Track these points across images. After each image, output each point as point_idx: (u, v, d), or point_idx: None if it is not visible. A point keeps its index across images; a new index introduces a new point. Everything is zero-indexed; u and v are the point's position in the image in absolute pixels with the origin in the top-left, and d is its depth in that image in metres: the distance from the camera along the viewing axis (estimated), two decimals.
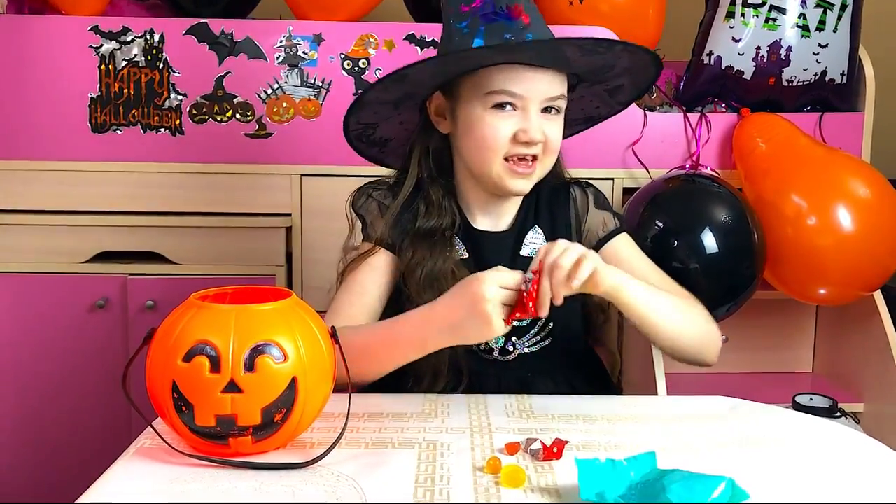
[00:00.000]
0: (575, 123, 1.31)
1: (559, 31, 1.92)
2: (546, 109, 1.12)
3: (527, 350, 1.20)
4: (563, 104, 1.14)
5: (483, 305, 0.93)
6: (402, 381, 1.13)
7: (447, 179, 1.22)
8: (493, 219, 1.23)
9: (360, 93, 1.17)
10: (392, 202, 1.20)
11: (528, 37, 1.09)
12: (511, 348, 1.20)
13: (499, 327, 0.94)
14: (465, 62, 1.12)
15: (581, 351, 1.29)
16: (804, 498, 0.79)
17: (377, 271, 1.18)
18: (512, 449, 0.89)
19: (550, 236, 1.22)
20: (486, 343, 1.19)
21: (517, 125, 1.11)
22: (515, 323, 0.99)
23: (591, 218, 1.24)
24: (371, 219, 1.21)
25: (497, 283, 0.94)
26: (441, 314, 0.99)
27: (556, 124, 1.14)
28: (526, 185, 1.16)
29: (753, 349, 2.06)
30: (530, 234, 1.23)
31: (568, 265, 0.95)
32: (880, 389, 1.85)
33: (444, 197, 1.20)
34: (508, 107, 1.11)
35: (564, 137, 1.17)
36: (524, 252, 1.22)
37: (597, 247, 1.21)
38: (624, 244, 1.23)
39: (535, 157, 1.13)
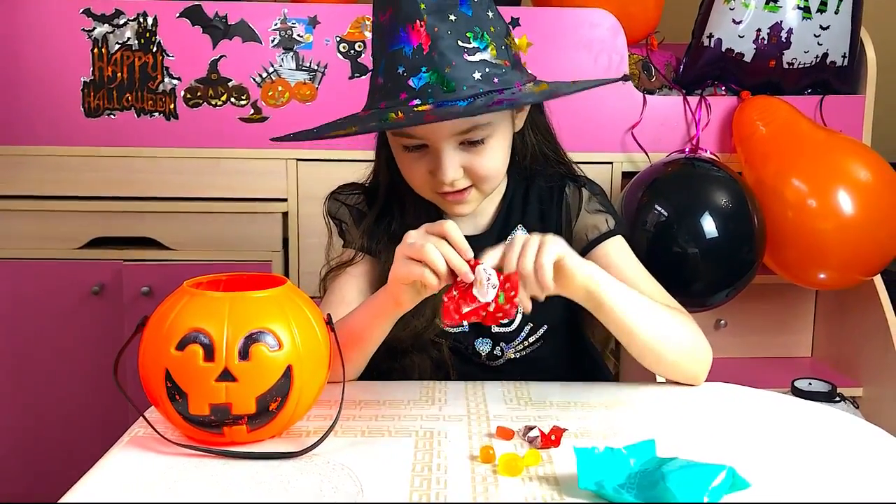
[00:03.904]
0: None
1: (559, 13, 1.91)
2: (469, 141, 1.02)
3: (515, 355, 1.16)
4: (485, 132, 1.01)
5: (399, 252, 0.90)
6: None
7: None
8: (471, 219, 1.14)
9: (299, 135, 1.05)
10: (365, 206, 1.16)
11: (417, 78, 0.95)
12: (499, 353, 1.16)
13: (402, 273, 0.90)
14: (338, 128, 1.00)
15: (573, 349, 1.23)
16: (803, 486, 0.79)
17: (358, 279, 1.14)
18: (505, 434, 0.88)
19: None
20: (473, 347, 1.15)
21: (430, 164, 1.03)
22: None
23: (581, 220, 1.15)
24: (347, 226, 1.17)
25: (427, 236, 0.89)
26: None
27: (482, 155, 1.03)
28: (467, 209, 1.08)
29: (752, 334, 2.05)
30: (514, 234, 1.14)
31: (531, 262, 0.88)
32: (879, 374, 1.85)
33: (418, 196, 1.11)
34: (416, 146, 1.03)
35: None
36: None
37: (585, 251, 1.12)
38: (615, 248, 1.13)
39: (469, 186, 1.05)
